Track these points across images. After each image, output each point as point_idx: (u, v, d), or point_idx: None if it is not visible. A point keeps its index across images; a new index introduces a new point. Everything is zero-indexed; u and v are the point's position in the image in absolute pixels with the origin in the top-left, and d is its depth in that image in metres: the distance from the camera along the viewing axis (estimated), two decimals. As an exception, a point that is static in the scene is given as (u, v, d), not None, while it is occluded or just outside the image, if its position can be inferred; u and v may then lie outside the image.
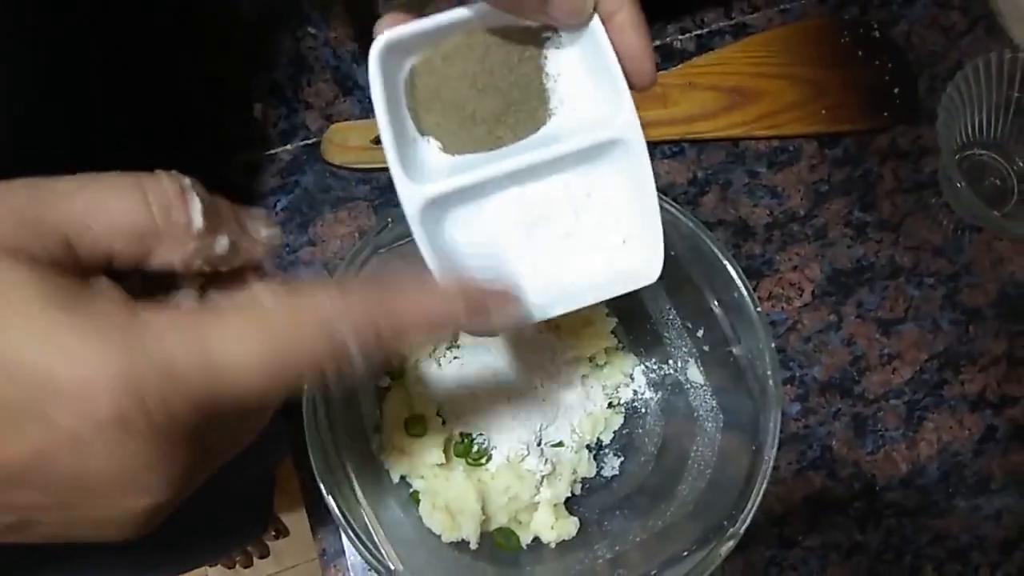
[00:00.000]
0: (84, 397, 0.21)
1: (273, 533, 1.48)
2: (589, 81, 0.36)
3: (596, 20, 0.34)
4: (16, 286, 0.21)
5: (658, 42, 0.65)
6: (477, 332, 0.30)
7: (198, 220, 0.24)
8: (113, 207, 0.23)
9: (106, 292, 0.23)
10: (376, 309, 0.26)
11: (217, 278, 0.27)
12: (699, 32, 0.65)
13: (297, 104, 0.62)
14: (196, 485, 0.26)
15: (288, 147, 0.61)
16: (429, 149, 0.37)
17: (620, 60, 0.34)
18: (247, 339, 0.23)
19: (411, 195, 0.35)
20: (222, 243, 0.25)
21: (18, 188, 0.23)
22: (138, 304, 0.23)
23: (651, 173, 0.36)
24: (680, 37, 0.65)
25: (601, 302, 0.50)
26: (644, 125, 0.64)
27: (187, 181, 0.25)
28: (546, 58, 0.36)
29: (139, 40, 0.61)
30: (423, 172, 0.36)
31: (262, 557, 1.50)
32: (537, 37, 0.36)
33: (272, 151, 0.61)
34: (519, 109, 0.37)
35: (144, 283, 0.26)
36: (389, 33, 0.33)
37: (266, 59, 0.63)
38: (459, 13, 0.34)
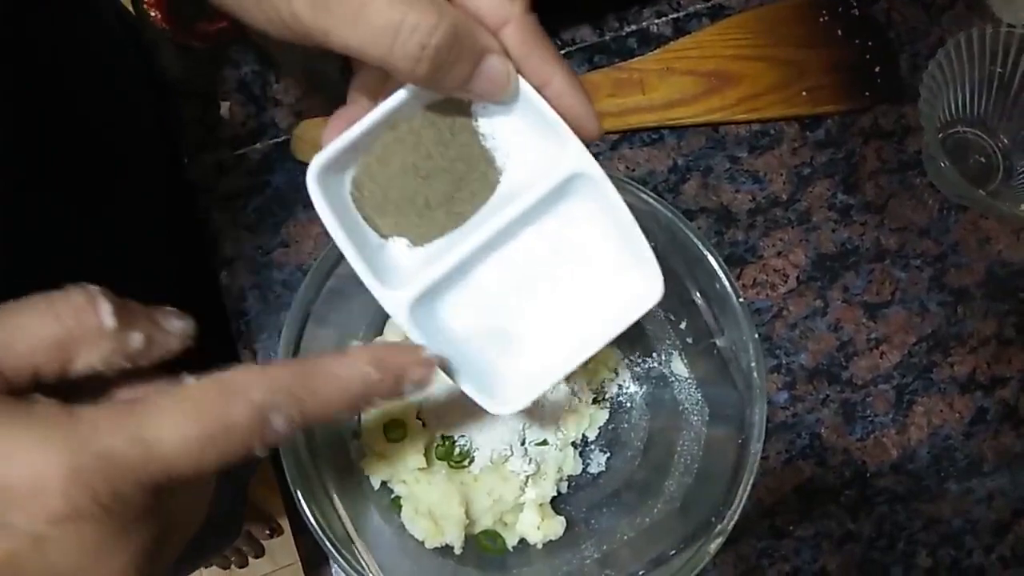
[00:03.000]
0: (37, 497, 0.23)
1: (268, 532, 1.47)
2: (526, 128, 0.35)
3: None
4: None
5: (634, 27, 0.63)
6: (397, 396, 0.31)
7: (108, 320, 0.26)
8: (29, 327, 0.26)
9: (41, 401, 0.25)
10: (296, 383, 0.28)
11: (145, 375, 0.29)
12: (675, 16, 0.64)
13: (265, 101, 0.60)
14: (165, 562, 0.28)
15: (257, 146, 0.59)
16: (397, 249, 0.36)
17: (564, 120, 0.34)
18: (178, 422, 0.25)
19: (395, 303, 0.35)
20: (136, 339, 0.27)
21: None
22: (74, 406, 0.25)
23: (618, 196, 0.36)
24: (656, 21, 0.64)
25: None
26: (622, 112, 0.64)
27: (95, 288, 0.27)
28: (477, 121, 0.35)
29: (98, 38, 0.60)
30: (398, 274, 0.36)
31: (257, 556, 1.49)
32: (461, 104, 0.35)
33: (241, 150, 0.59)
34: (469, 180, 0.36)
35: (79, 390, 0.28)
36: (318, 158, 0.33)
37: (232, 55, 0.61)
38: (378, 112, 0.33)
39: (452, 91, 0.33)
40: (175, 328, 0.29)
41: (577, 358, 0.37)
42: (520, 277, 0.37)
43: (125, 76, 0.62)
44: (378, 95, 0.35)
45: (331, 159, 0.33)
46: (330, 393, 0.29)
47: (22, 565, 0.23)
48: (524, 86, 0.33)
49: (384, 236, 0.36)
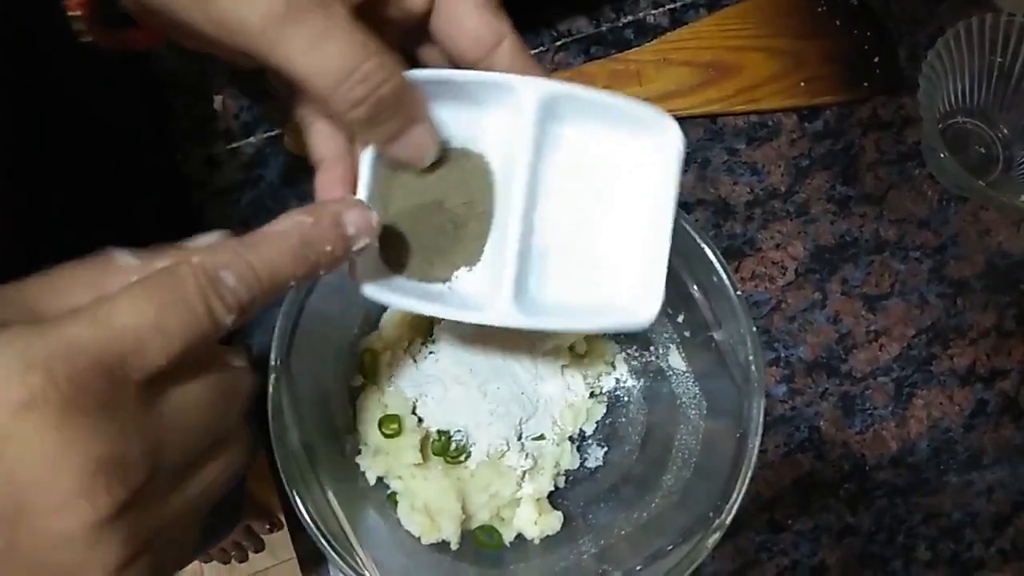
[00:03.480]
0: None
1: (268, 527, 1.47)
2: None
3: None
4: None
5: (631, 17, 0.63)
6: (343, 248, 0.32)
7: (129, 260, 0.28)
8: (67, 283, 0.27)
9: (9, 316, 0.25)
10: (235, 242, 0.29)
11: None
12: (672, 6, 0.63)
13: (258, 95, 0.60)
14: (169, 511, 0.27)
15: (251, 139, 0.59)
16: (464, 280, 0.37)
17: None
18: (129, 298, 0.25)
19: (502, 314, 0.36)
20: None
21: None
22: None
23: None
24: (653, 12, 0.63)
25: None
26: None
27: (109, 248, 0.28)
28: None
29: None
30: (479, 296, 0.37)
31: (257, 551, 1.49)
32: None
33: (234, 144, 0.59)
34: (469, 180, 0.37)
35: None
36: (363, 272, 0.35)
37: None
38: (364, 188, 0.35)
39: (372, 142, 0.34)
40: (202, 244, 0.30)
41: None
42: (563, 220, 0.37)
43: (117, 70, 0.62)
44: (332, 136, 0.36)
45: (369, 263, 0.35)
46: (271, 247, 0.29)
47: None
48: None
49: (446, 280, 0.37)
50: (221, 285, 0.27)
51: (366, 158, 0.35)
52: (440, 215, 0.37)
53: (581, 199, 0.37)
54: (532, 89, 0.34)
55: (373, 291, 0.35)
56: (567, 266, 0.38)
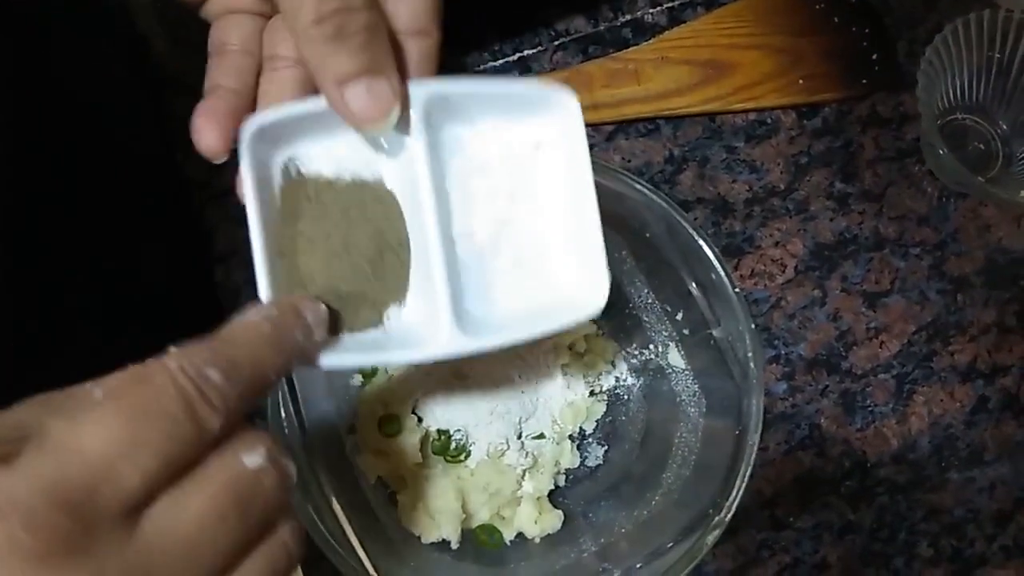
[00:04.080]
0: None
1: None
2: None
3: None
4: None
5: (629, 16, 0.63)
6: (306, 338, 0.31)
7: None
8: None
9: None
10: (212, 344, 0.26)
11: None
12: (670, 5, 0.63)
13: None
14: None
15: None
16: (395, 318, 0.35)
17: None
18: (107, 422, 0.23)
19: (449, 346, 0.34)
20: None
21: None
22: None
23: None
24: (651, 11, 0.63)
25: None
26: (617, 103, 0.63)
27: None
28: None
29: (91, 33, 0.60)
30: (418, 330, 0.35)
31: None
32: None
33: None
34: (369, 208, 0.34)
35: None
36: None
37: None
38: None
39: (328, 79, 0.31)
40: None
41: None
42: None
43: (118, 71, 0.62)
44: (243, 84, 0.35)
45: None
46: (247, 337, 0.27)
47: None
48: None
49: (377, 324, 0.35)
50: (207, 385, 0.24)
51: (254, 233, 0.32)
52: (351, 257, 0.34)
53: (496, 198, 0.35)
54: (412, 96, 0.32)
55: (325, 360, 0.33)
56: (502, 273, 0.36)
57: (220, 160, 0.34)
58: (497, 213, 0.35)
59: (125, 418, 0.23)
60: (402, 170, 0.34)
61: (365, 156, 0.34)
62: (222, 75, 0.35)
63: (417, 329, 0.35)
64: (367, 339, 0.34)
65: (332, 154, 0.34)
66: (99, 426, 0.22)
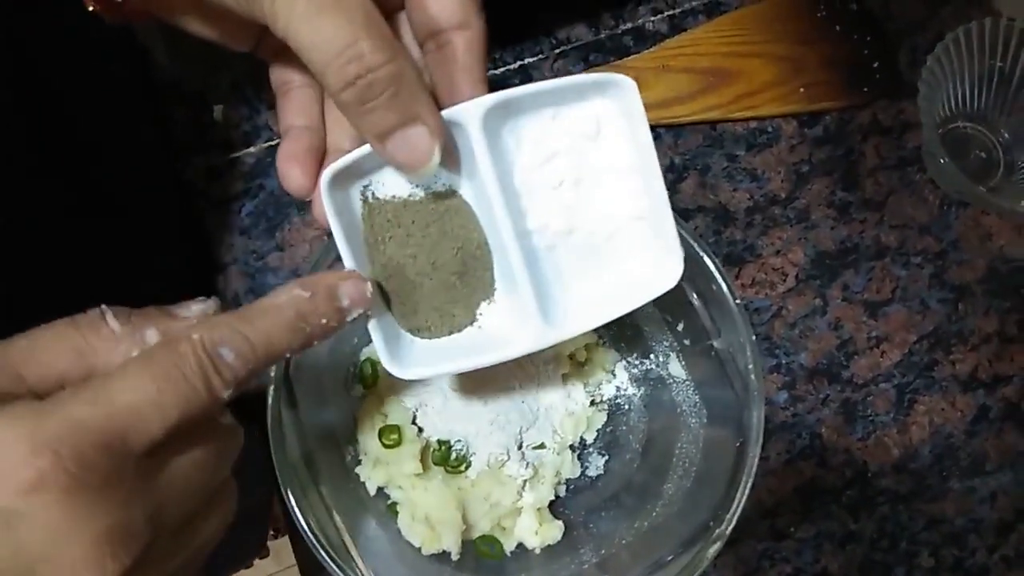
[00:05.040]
0: (3, 473, 0.23)
1: (272, 532, 1.47)
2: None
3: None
4: None
5: (630, 24, 0.63)
6: (338, 319, 0.33)
7: (115, 325, 0.28)
8: (49, 339, 0.28)
9: (22, 397, 0.26)
10: (233, 318, 0.29)
11: None
12: (671, 13, 0.63)
13: (259, 104, 0.60)
14: (171, 567, 0.28)
15: (251, 149, 0.59)
16: (488, 317, 0.38)
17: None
18: (129, 376, 0.26)
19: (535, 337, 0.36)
20: (151, 335, 0.29)
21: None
22: None
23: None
24: (652, 19, 0.63)
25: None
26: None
27: (103, 308, 0.29)
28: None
29: (90, 41, 0.59)
30: (507, 326, 0.38)
31: (262, 557, 1.49)
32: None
33: (235, 154, 0.59)
34: (450, 217, 0.36)
35: None
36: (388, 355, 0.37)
37: (224, 57, 0.60)
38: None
39: (369, 136, 0.33)
40: (193, 312, 0.30)
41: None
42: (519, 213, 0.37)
43: (118, 79, 0.62)
44: (311, 118, 0.37)
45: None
46: (267, 321, 0.30)
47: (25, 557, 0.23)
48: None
49: (473, 321, 0.38)
50: (220, 361, 0.28)
51: (347, 262, 0.35)
52: (439, 274, 0.36)
53: (564, 188, 0.37)
54: (470, 114, 0.33)
55: (416, 372, 0.36)
56: (577, 259, 0.38)
57: (309, 197, 0.37)
58: (566, 200, 0.37)
59: (155, 381, 0.26)
60: (471, 177, 0.36)
61: (435, 173, 0.36)
62: (292, 115, 0.38)
63: (508, 325, 0.37)
64: (463, 341, 0.37)
65: (402, 179, 0.36)
66: (133, 384, 0.26)
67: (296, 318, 0.31)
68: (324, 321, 0.32)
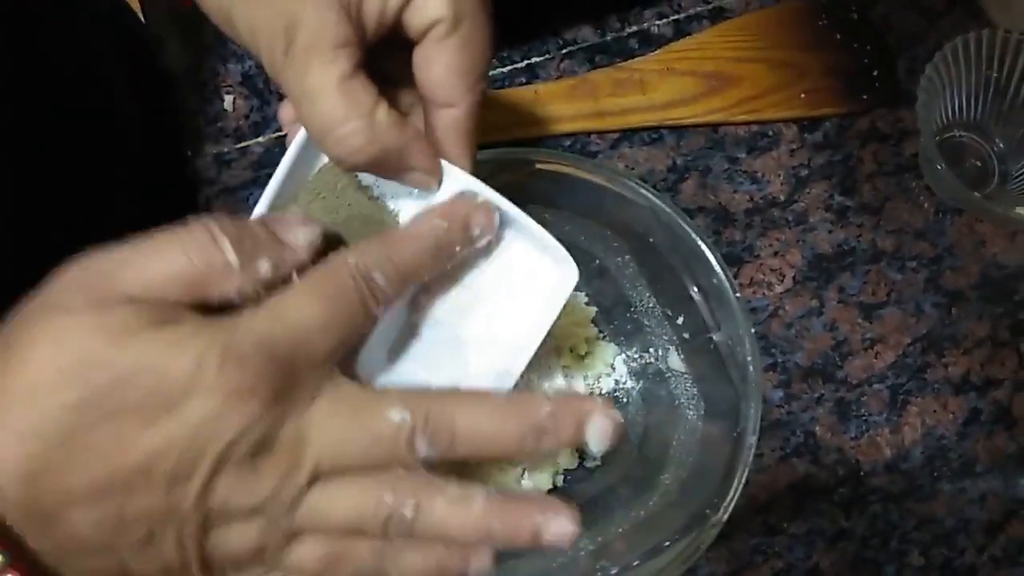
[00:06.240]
0: (201, 378, 0.26)
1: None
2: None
3: None
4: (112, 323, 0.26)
5: (635, 28, 0.64)
6: (470, 243, 0.35)
7: (232, 257, 0.28)
8: (159, 266, 0.28)
9: (187, 312, 0.28)
10: (380, 245, 0.32)
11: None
12: (676, 17, 0.64)
13: (269, 95, 0.61)
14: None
15: (260, 139, 0.60)
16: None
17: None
18: (300, 301, 0.29)
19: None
20: (264, 267, 0.29)
21: (89, 266, 0.28)
22: None
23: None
24: (657, 23, 0.64)
25: (579, 292, 0.50)
26: (622, 111, 0.64)
27: (214, 224, 0.29)
28: (359, 176, 0.36)
29: (100, 31, 0.60)
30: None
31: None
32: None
33: (244, 144, 0.60)
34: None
35: None
36: None
37: (235, 48, 0.61)
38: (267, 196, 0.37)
39: (392, 174, 0.35)
40: (300, 240, 0.31)
41: (517, 366, 0.38)
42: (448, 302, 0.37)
43: (128, 69, 0.63)
44: None
45: None
46: (412, 249, 0.32)
47: (202, 445, 0.26)
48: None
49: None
50: (374, 284, 0.30)
51: (275, 180, 0.36)
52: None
53: (469, 286, 0.37)
54: (451, 184, 0.35)
55: None
56: (475, 330, 0.38)
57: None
58: (461, 295, 0.37)
59: (322, 303, 0.29)
60: (406, 213, 0.37)
61: (399, 188, 0.36)
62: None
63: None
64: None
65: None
66: (300, 303, 0.29)
67: (435, 247, 0.33)
68: (457, 248, 0.34)
